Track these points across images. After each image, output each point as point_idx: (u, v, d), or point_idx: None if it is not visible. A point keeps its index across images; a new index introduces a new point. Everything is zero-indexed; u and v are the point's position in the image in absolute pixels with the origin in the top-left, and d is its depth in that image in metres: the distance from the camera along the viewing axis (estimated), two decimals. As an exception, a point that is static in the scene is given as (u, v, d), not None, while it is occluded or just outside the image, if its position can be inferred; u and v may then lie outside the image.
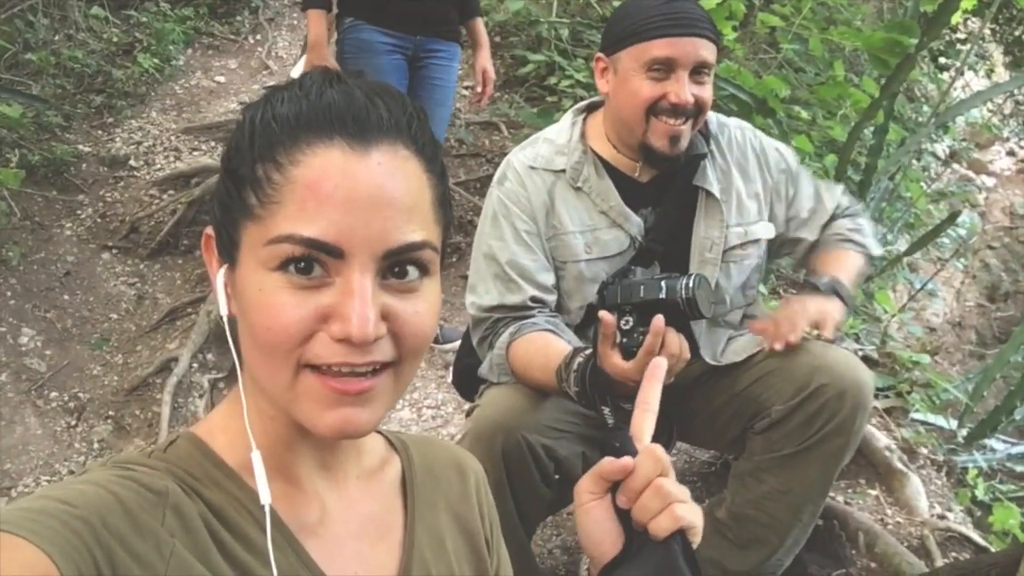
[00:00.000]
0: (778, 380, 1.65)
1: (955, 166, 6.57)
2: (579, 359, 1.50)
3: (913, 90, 4.52)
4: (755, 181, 1.77)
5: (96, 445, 2.76)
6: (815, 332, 1.60)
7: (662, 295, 1.41)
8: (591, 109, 1.78)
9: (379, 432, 0.87)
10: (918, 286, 4.60)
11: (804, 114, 3.42)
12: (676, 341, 1.38)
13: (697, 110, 1.61)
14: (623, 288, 1.46)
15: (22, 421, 2.78)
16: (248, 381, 0.71)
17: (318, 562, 0.71)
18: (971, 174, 7.19)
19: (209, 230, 0.71)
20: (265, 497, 0.67)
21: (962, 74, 5.43)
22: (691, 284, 1.39)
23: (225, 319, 0.70)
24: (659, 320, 1.36)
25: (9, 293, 3.17)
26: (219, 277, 0.69)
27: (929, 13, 3.13)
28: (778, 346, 1.60)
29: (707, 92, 1.62)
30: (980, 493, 2.59)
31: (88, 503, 0.60)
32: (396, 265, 0.65)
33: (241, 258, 0.66)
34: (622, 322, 1.41)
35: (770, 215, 1.80)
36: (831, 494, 2.17)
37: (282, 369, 0.64)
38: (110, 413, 2.87)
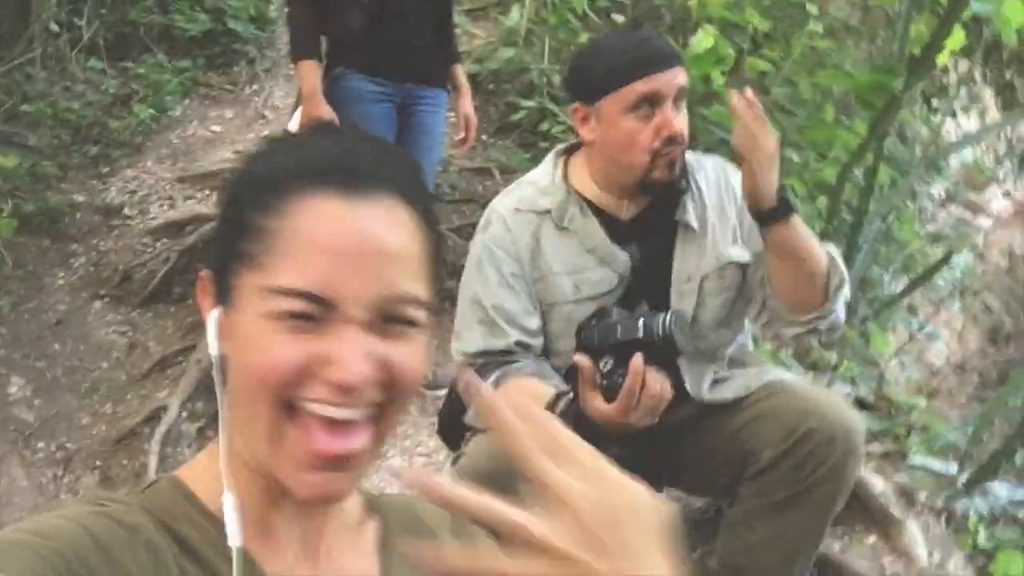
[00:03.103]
0: (767, 425, 1.63)
1: (951, 208, 6.59)
2: (562, 404, 1.48)
3: (905, 132, 4.54)
4: (729, 214, 1.77)
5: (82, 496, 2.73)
6: None
7: (639, 335, 1.41)
8: (570, 151, 1.79)
9: (358, 491, 0.86)
10: (917, 328, 4.57)
11: (796, 157, 3.43)
12: (657, 381, 1.37)
13: (684, 136, 1.63)
14: (600, 330, 1.45)
15: (7, 472, 2.75)
16: (232, 426, 0.71)
17: None
18: (968, 216, 7.21)
19: (204, 272, 0.73)
20: (234, 540, 0.68)
21: (954, 116, 5.47)
22: (667, 321, 1.39)
23: (215, 357, 0.70)
24: (637, 360, 1.35)
25: (-1, 342, 3.16)
26: (212, 316, 0.71)
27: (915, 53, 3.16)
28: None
29: (685, 117, 1.65)
30: (982, 540, 2.54)
31: (62, 537, 0.61)
32: (387, 315, 0.66)
33: (237, 303, 0.68)
34: (601, 364, 1.40)
35: (743, 242, 1.78)
36: (827, 541, 2.12)
37: (268, 412, 0.65)
38: (97, 463, 2.84)
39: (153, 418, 2.95)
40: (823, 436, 1.55)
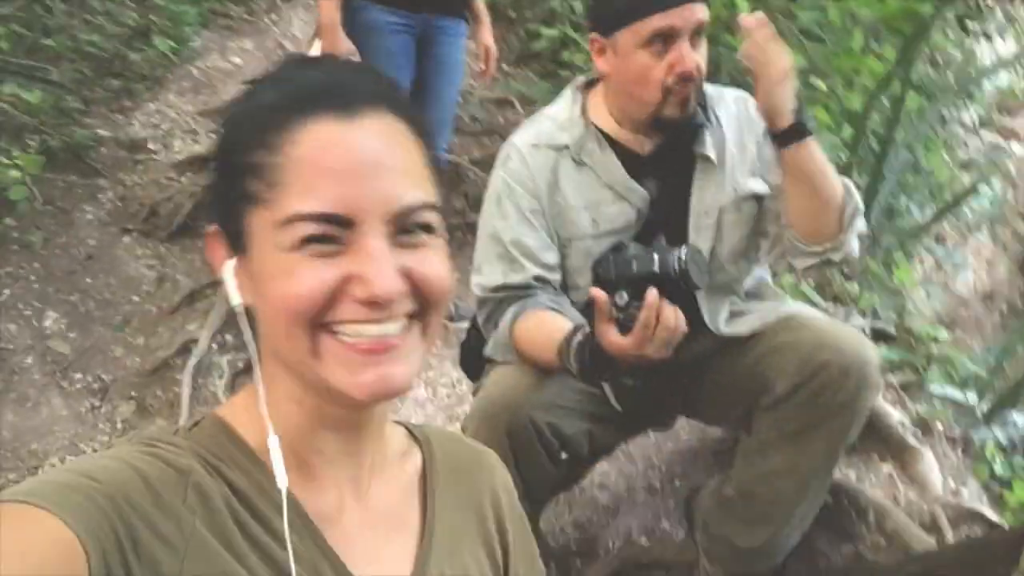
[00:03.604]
0: (782, 357, 1.64)
1: (984, 134, 6.42)
2: (579, 336, 1.51)
3: (936, 57, 4.41)
4: (749, 144, 1.75)
5: (119, 425, 2.82)
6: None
7: (655, 268, 1.41)
8: (589, 85, 1.78)
9: (400, 423, 0.87)
10: (943, 256, 4.51)
11: (822, 85, 3.36)
12: (672, 314, 1.38)
13: (699, 74, 1.61)
14: (616, 263, 1.46)
15: (47, 402, 2.84)
16: (268, 368, 0.72)
17: (336, 551, 0.72)
18: (1001, 141, 7.02)
19: (211, 228, 0.73)
20: (282, 481, 0.69)
21: (989, 39, 5.29)
22: (683, 256, 1.39)
23: (237, 308, 0.71)
24: (652, 293, 1.36)
25: (33, 277, 3.22)
26: (228, 268, 0.71)
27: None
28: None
29: (704, 53, 1.63)
30: (999, 468, 2.56)
31: (112, 478, 0.62)
32: (404, 226, 0.67)
33: (253, 244, 0.68)
34: (616, 297, 1.41)
35: (763, 173, 1.78)
36: (842, 470, 2.17)
37: (306, 336, 0.66)
38: (132, 394, 2.92)
39: (184, 350, 3.02)
40: (837, 368, 1.57)
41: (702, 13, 1.59)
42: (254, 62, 4.66)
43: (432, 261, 0.69)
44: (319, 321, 0.66)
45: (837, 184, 1.63)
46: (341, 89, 0.68)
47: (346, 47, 2.68)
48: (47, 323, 3.10)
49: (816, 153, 1.59)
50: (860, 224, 1.68)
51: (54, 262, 3.32)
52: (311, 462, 0.74)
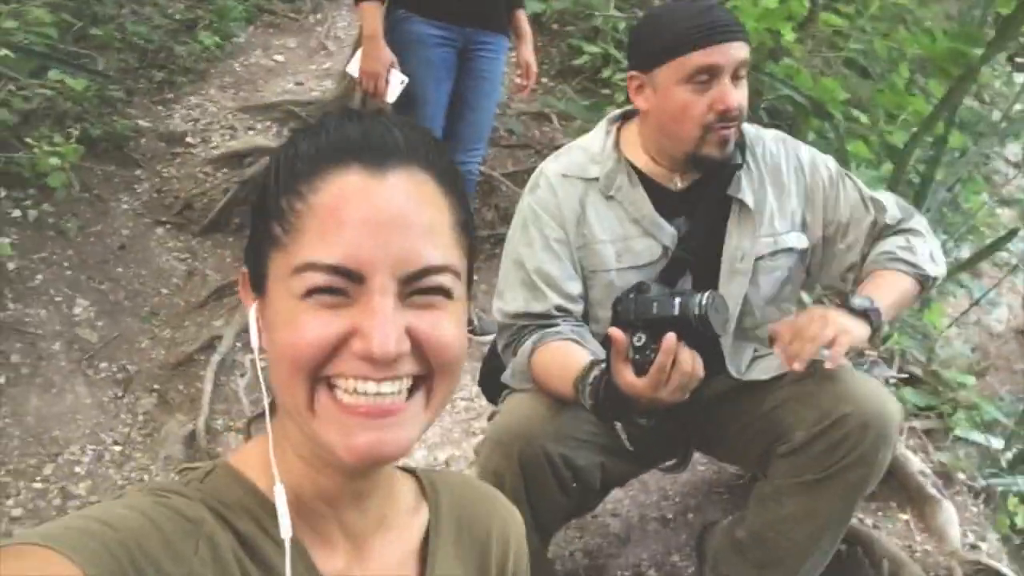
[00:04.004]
0: (802, 406, 1.62)
1: (1027, 170, 6.31)
2: (595, 372, 1.50)
3: (983, 93, 4.35)
4: (790, 192, 1.74)
5: (140, 417, 2.85)
6: (825, 352, 1.53)
7: (675, 312, 1.40)
8: (625, 118, 1.77)
9: (410, 471, 0.86)
10: (979, 294, 4.44)
11: (863, 118, 3.32)
12: (689, 359, 1.36)
13: (741, 113, 1.60)
14: (637, 304, 1.45)
15: (72, 389, 2.88)
16: (279, 415, 0.73)
17: None
18: (1045, 178, 6.90)
19: (244, 268, 0.74)
20: (286, 532, 0.68)
21: (1039, 77, 5.20)
22: (704, 302, 1.37)
23: (256, 352, 0.71)
24: (670, 338, 1.34)
25: (66, 264, 3.27)
26: (252, 311, 0.72)
27: (1003, 14, 3.00)
28: (792, 365, 1.54)
29: (745, 94, 1.62)
30: (1020, 520, 2.51)
31: (127, 527, 0.62)
32: (417, 286, 0.66)
33: (269, 288, 0.69)
34: (635, 338, 1.40)
35: (803, 225, 1.76)
36: (859, 516, 2.13)
37: (304, 389, 0.66)
38: (155, 387, 2.95)
39: (209, 346, 3.05)
40: (857, 422, 1.54)
41: (744, 52, 1.58)
42: (296, 60, 4.71)
43: (443, 325, 0.67)
44: (319, 374, 0.66)
45: (912, 293, 1.74)
46: (374, 143, 0.67)
47: (387, 57, 2.70)
48: (77, 311, 3.14)
49: (892, 310, 1.68)
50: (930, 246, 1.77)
51: (88, 250, 3.37)
52: (322, 519, 0.74)
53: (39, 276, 3.17)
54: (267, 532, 0.70)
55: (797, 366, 1.53)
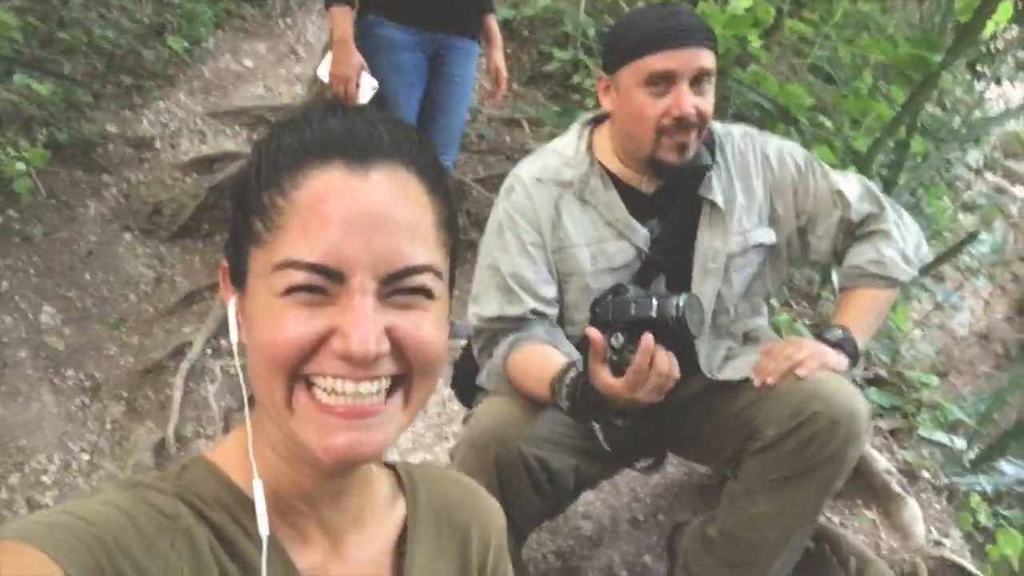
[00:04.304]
0: (773, 404, 1.65)
1: (988, 176, 6.45)
2: (571, 374, 1.51)
3: (944, 100, 4.44)
4: (756, 187, 1.77)
5: (108, 425, 2.81)
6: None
7: (652, 313, 1.42)
8: (597, 122, 1.79)
9: (390, 464, 0.86)
10: (942, 297, 4.53)
11: (828, 123, 3.38)
12: (665, 360, 1.38)
13: (700, 120, 1.61)
14: (615, 305, 1.47)
15: (39, 398, 2.83)
16: (257, 410, 0.72)
17: None
18: (1006, 184, 7.05)
19: (224, 262, 0.73)
20: (263, 528, 0.68)
21: (999, 83, 5.32)
22: (681, 304, 1.39)
23: (235, 347, 0.71)
24: (648, 339, 1.36)
25: (32, 271, 3.22)
26: (231, 306, 0.71)
27: (962, 22, 3.08)
28: (757, 382, 1.63)
29: (709, 101, 1.62)
30: (983, 518, 2.56)
31: (103, 522, 0.62)
32: (397, 285, 0.66)
33: (249, 284, 0.68)
34: (612, 339, 1.42)
35: (771, 219, 1.79)
36: (826, 514, 2.17)
37: (283, 386, 0.66)
38: (124, 394, 2.92)
39: (178, 353, 3.01)
40: (827, 419, 1.57)
41: (706, 61, 1.59)
42: (266, 65, 4.68)
43: (423, 325, 0.67)
44: (298, 372, 0.65)
45: (889, 301, 1.83)
46: (357, 140, 0.67)
47: (357, 61, 2.70)
48: (43, 318, 3.10)
49: (869, 331, 1.79)
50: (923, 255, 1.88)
51: (54, 256, 3.32)
52: (296, 508, 0.74)
53: (4, 283, 3.12)
54: (244, 527, 0.70)
55: (770, 380, 1.63)
